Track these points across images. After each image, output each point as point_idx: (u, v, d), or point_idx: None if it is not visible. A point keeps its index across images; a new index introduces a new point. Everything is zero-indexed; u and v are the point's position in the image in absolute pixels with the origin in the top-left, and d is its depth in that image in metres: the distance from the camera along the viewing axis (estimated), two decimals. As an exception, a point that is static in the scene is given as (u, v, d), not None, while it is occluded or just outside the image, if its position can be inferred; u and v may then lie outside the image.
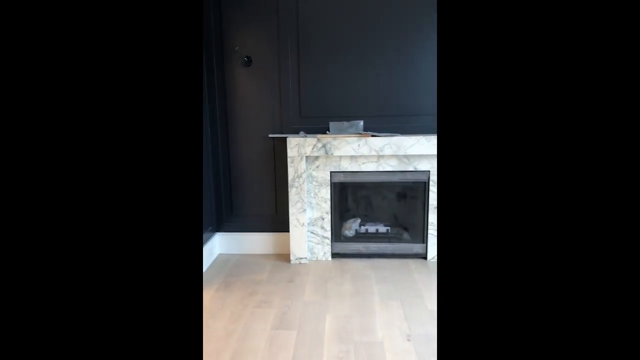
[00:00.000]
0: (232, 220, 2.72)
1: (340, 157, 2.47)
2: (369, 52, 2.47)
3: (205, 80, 2.56)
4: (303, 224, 2.50)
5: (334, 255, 2.60)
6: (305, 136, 2.43)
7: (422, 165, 2.46)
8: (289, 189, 2.47)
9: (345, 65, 2.49)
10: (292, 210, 2.49)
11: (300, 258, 2.54)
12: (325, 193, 2.52)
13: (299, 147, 2.42)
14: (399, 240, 2.62)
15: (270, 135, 2.58)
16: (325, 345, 1.67)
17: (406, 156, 2.45)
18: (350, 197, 2.78)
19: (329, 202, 2.53)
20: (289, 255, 2.63)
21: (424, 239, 2.54)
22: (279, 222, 2.68)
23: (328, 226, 2.55)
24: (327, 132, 2.47)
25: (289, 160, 2.44)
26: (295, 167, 2.45)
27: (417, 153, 2.38)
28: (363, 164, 2.48)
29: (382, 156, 2.45)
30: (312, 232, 2.57)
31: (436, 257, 2.54)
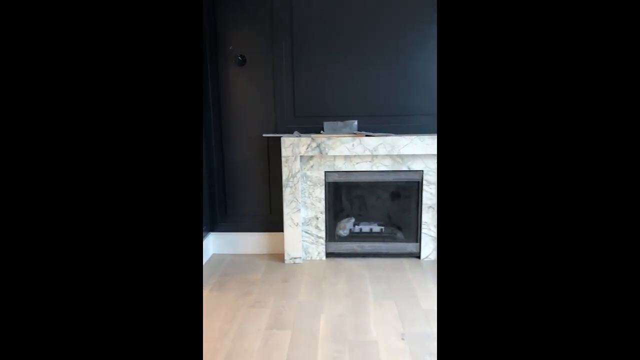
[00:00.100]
0: (226, 220, 2.71)
1: (335, 156, 2.48)
2: (363, 52, 2.48)
3: (198, 80, 2.55)
4: (297, 223, 2.50)
5: (328, 255, 2.60)
6: (300, 136, 2.43)
7: (416, 165, 2.47)
8: (283, 189, 2.47)
9: (339, 65, 2.49)
10: (287, 210, 2.49)
11: (295, 258, 2.54)
12: (320, 193, 2.53)
13: (293, 146, 2.42)
14: (393, 239, 2.63)
15: (264, 135, 2.57)
16: (320, 344, 1.67)
17: (400, 156, 2.46)
18: (345, 197, 2.79)
19: (323, 202, 2.53)
20: (283, 255, 2.63)
21: (417, 238, 2.56)
22: (273, 222, 2.67)
23: (322, 226, 2.56)
24: (322, 131, 2.48)
25: (283, 159, 2.44)
26: (290, 167, 2.44)
27: (410, 153, 2.39)
28: (357, 163, 2.49)
29: (376, 156, 2.46)
30: (306, 232, 2.57)
31: (429, 256, 2.56)
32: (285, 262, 2.54)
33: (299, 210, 2.49)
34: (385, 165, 2.48)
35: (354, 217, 2.74)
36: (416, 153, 2.39)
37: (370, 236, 2.66)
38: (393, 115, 2.53)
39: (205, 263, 2.59)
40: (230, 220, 2.71)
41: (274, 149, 2.58)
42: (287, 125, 2.56)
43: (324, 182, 2.51)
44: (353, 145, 2.39)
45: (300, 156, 2.47)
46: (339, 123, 2.45)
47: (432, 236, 2.54)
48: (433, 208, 2.51)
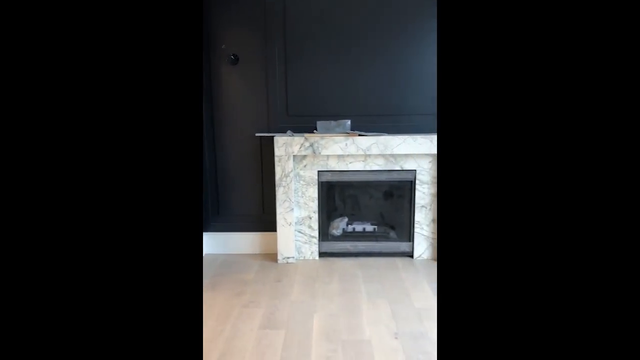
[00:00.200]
0: (219, 219, 2.69)
1: (328, 156, 2.48)
2: (356, 51, 2.48)
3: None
4: (290, 223, 2.49)
5: (322, 254, 2.60)
6: (293, 135, 2.43)
7: (409, 165, 2.48)
8: (277, 188, 2.46)
9: (332, 64, 2.49)
10: (280, 210, 2.48)
11: (288, 257, 2.53)
12: (313, 192, 2.52)
13: (286, 146, 2.41)
14: (386, 239, 2.64)
15: (257, 134, 2.56)
16: (314, 344, 1.67)
17: (393, 155, 2.47)
18: (338, 196, 2.79)
19: (316, 202, 2.53)
20: (276, 254, 2.62)
21: (410, 238, 2.57)
22: (266, 221, 2.67)
23: (315, 225, 2.55)
24: (315, 131, 2.47)
25: (276, 159, 2.43)
26: (283, 167, 2.44)
27: (403, 152, 2.40)
28: (350, 163, 2.49)
29: (369, 155, 2.47)
30: (299, 232, 2.57)
31: (422, 255, 2.57)
32: (279, 261, 2.53)
33: (292, 209, 2.48)
34: (378, 165, 2.48)
35: (347, 216, 2.74)
36: (409, 152, 2.40)
37: (363, 236, 2.66)
38: (386, 115, 2.54)
39: (198, 263, 2.57)
40: (223, 220, 2.69)
41: (267, 148, 2.57)
42: (280, 125, 2.55)
43: (317, 181, 2.51)
44: (346, 144, 2.39)
45: (294, 156, 2.46)
46: (332, 122, 2.45)
47: (424, 235, 2.55)
48: (426, 207, 2.52)
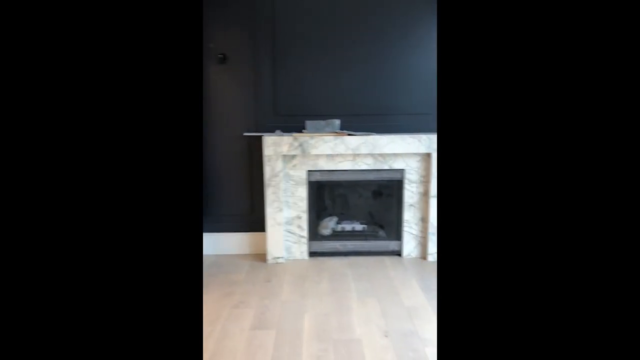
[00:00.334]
0: (207, 220, 2.67)
1: (317, 155, 2.48)
2: (345, 51, 2.48)
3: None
4: (280, 223, 2.49)
5: (311, 254, 2.60)
6: (282, 135, 2.42)
7: (397, 164, 2.50)
8: (266, 188, 2.45)
9: (321, 64, 2.50)
10: (269, 210, 2.47)
11: (277, 257, 2.53)
12: (302, 192, 2.52)
13: (275, 145, 2.40)
14: (375, 237, 2.66)
15: (245, 134, 2.55)
16: (304, 344, 1.67)
17: (381, 155, 2.48)
18: (327, 196, 2.79)
19: (305, 201, 2.53)
20: (265, 255, 2.61)
21: (399, 236, 2.59)
22: (254, 221, 2.65)
23: (305, 225, 2.55)
24: (303, 130, 2.47)
25: (265, 159, 2.42)
26: (272, 166, 2.43)
27: (392, 152, 2.41)
28: (340, 162, 2.49)
29: (358, 155, 2.48)
30: (288, 232, 2.56)
31: (411, 254, 2.60)
32: (268, 262, 2.53)
33: (282, 209, 2.48)
34: (367, 164, 2.50)
35: (337, 216, 2.75)
36: (397, 152, 2.42)
37: (352, 235, 2.67)
38: (374, 115, 2.55)
39: (186, 264, 2.54)
40: (212, 221, 2.67)
41: (256, 148, 2.56)
42: (269, 124, 2.54)
43: (306, 181, 2.51)
44: (335, 144, 2.40)
45: (283, 155, 2.46)
46: (321, 122, 2.46)
47: (413, 234, 2.58)
48: (414, 206, 2.55)
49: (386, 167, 2.50)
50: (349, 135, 2.42)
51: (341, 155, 2.47)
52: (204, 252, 2.70)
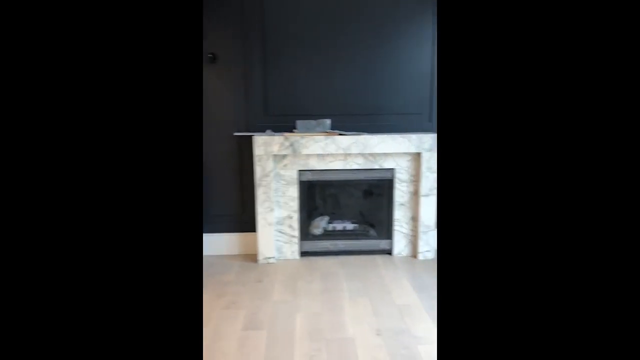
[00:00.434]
0: (197, 220, 2.64)
1: (308, 155, 2.48)
2: (335, 50, 2.49)
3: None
4: (271, 223, 2.48)
5: (303, 254, 2.60)
6: (273, 134, 2.41)
7: (387, 163, 2.52)
8: (256, 188, 2.44)
9: (311, 64, 2.49)
10: (260, 210, 2.46)
11: (268, 258, 2.52)
12: (293, 192, 2.52)
13: (266, 145, 2.39)
14: (366, 237, 2.67)
15: (235, 134, 2.53)
16: (297, 344, 1.67)
17: (372, 154, 2.49)
18: (318, 196, 2.79)
19: (296, 201, 2.53)
20: (256, 255, 2.60)
21: (389, 235, 2.60)
22: (245, 221, 2.64)
23: (296, 225, 2.55)
24: (294, 130, 2.47)
25: (256, 159, 2.41)
26: (263, 166, 2.42)
27: (382, 151, 2.43)
28: (331, 162, 2.50)
29: (349, 154, 2.48)
30: (279, 232, 2.55)
31: (401, 253, 2.61)
32: (259, 262, 2.51)
33: (273, 209, 2.47)
34: (358, 164, 2.50)
35: (328, 215, 2.75)
36: (388, 151, 2.43)
37: (343, 234, 2.68)
38: (365, 114, 2.56)
39: (176, 265, 2.51)
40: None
41: (246, 148, 2.55)
42: (259, 124, 2.53)
43: (297, 181, 2.51)
44: (326, 144, 2.40)
45: (273, 155, 2.45)
46: (312, 122, 2.45)
47: (403, 233, 2.59)
48: (404, 205, 2.56)
49: (377, 167, 2.51)
50: (340, 135, 2.42)
51: (332, 155, 2.47)
52: (194, 253, 2.67)
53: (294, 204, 2.53)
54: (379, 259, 2.57)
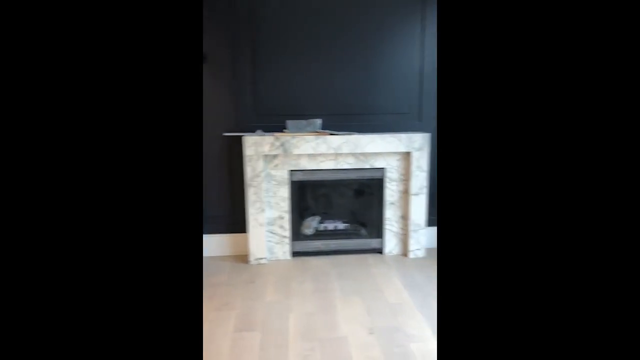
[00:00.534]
0: (187, 222, 2.62)
1: (299, 155, 2.47)
2: (325, 50, 2.49)
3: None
4: (262, 224, 2.47)
5: (294, 254, 2.60)
6: (263, 134, 2.40)
7: (378, 163, 2.53)
8: (247, 189, 2.43)
9: (301, 64, 2.49)
10: (251, 211, 2.45)
11: (260, 258, 2.51)
12: (284, 192, 2.51)
13: (256, 145, 2.38)
14: (357, 236, 2.68)
15: (225, 134, 2.51)
16: (290, 344, 1.67)
17: (363, 154, 2.50)
18: (309, 196, 2.79)
19: (288, 201, 2.52)
20: (247, 256, 2.59)
21: (380, 234, 2.62)
22: (235, 222, 2.62)
23: (287, 225, 2.54)
24: (285, 130, 2.46)
25: (246, 159, 2.40)
26: (253, 166, 2.41)
27: (373, 151, 2.44)
28: (322, 162, 2.50)
29: (340, 154, 2.49)
30: (271, 232, 2.55)
31: (392, 251, 2.63)
32: (250, 263, 2.50)
33: (264, 210, 2.46)
34: (349, 164, 2.51)
35: (319, 215, 2.75)
36: (378, 151, 2.44)
37: (335, 234, 2.68)
38: (355, 114, 2.57)
39: (166, 267, 2.49)
40: (192, 222, 2.62)
41: (236, 148, 2.53)
42: (249, 124, 2.52)
43: (288, 181, 2.50)
44: (317, 143, 2.40)
45: (264, 155, 2.44)
46: (303, 122, 2.45)
47: (394, 231, 2.61)
48: (395, 204, 2.58)
49: (367, 166, 2.53)
50: (331, 134, 2.42)
51: (323, 154, 2.48)
52: (184, 254, 2.64)
53: (285, 204, 2.52)
54: (370, 258, 2.58)
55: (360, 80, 2.54)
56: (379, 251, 2.64)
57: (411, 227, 2.55)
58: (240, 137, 2.51)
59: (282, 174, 2.49)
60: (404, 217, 2.59)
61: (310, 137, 2.39)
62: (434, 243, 2.77)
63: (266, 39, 2.45)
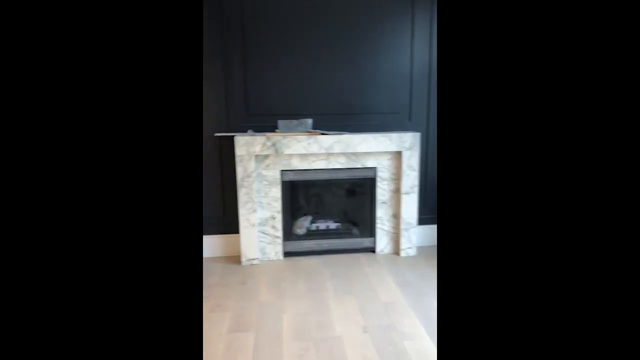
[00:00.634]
0: (178, 223, 2.59)
1: (291, 155, 2.47)
2: (316, 50, 2.49)
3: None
4: (254, 224, 2.46)
5: (286, 254, 2.59)
6: (254, 134, 2.39)
7: (369, 162, 2.54)
8: (238, 189, 2.42)
9: (292, 63, 2.49)
10: (242, 211, 2.44)
11: (252, 259, 2.50)
12: (276, 192, 2.51)
13: (247, 145, 2.37)
14: (349, 235, 2.68)
15: (216, 134, 2.50)
16: (285, 344, 1.67)
17: (354, 154, 2.51)
18: (301, 195, 2.79)
19: (279, 201, 2.51)
20: (239, 257, 2.57)
21: (372, 233, 2.63)
22: (227, 223, 2.61)
23: (279, 225, 2.54)
24: (276, 130, 2.46)
25: (237, 159, 2.39)
26: (244, 167, 2.40)
27: (364, 150, 2.45)
28: (313, 162, 2.50)
29: (332, 154, 2.49)
30: (262, 232, 2.54)
31: (384, 250, 2.64)
32: (242, 263, 2.49)
33: (255, 210, 2.45)
34: (340, 163, 2.52)
35: (311, 215, 2.75)
36: (370, 151, 2.46)
37: (327, 233, 2.69)
38: (346, 114, 2.58)
39: (157, 269, 2.46)
40: (182, 224, 2.59)
41: (227, 148, 2.52)
42: (240, 124, 2.51)
43: (280, 181, 2.50)
44: (309, 143, 2.40)
45: (255, 155, 2.43)
46: (294, 121, 2.45)
47: (385, 230, 2.63)
48: (386, 203, 2.60)
49: (359, 166, 2.53)
50: (322, 134, 2.43)
51: (315, 154, 2.48)
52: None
53: (277, 205, 2.52)
54: (362, 257, 2.59)
55: (351, 80, 2.55)
56: (371, 250, 2.65)
57: (403, 226, 2.56)
58: (231, 138, 2.50)
59: (274, 174, 2.49)
60: (396, 216, 2.61)
61: (302, 137, 2.39)
62: (425, 241, 2.80)
63: (257, 38, 2.44)
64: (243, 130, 2.50)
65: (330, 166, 2.51)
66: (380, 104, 2.59)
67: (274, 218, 2.53)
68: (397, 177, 2.57)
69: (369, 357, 1.57)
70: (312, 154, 2.47)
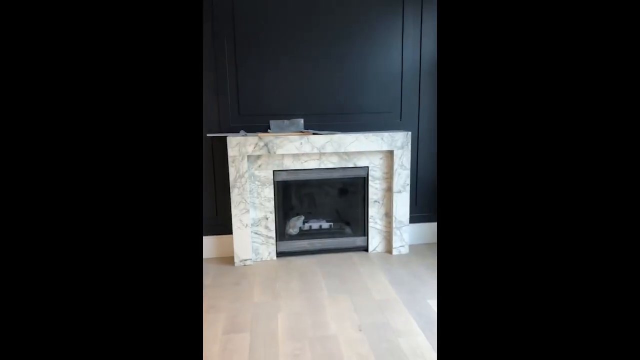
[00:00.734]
0: (170, 225, 2.58)
1: (283, 155, 2.47)
2: (307, 50, 2.50)
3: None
4: (247, 225, 2.46)
5: (279, 254, 2.59)
6: (246, 135, 2.39)
7: (361, 162, 2.55)
8: (231, 190, 2.41)
9: (284, 63, 2.49)
10: (235, 212, 2.43)
11: (245, 260, 2.49)
12: (269, 192, 2.51)
13: (240, 146, 2.37)
14: (342, 234, 2.70)
15: (208, 135, 2.49)
16: (280, 344, 1.67)
17: (346, 153, 2.52)
18: (294, 195, 2.79)
19: (272, 202, 2.52)
20: (232, 257, 2.57)
21: (364, 232, 2.64)
22: (219, 224, 2.60)
23: (272, 226, 2.54)
24: (268, 130, 2.46)
25: (230, 160, 2.38)
26: (237, 167, 2.39)
27: (356, 150, 2.46)
28: (305, 162, 2.50)
29: (324, 154, 2.50)
30: (255, 233, 2.54)
31: (376, 249, 2.66)
32: (236, 264, 2.49)
33: (248, 211, 2.45)
34: (333, 163, 2.53)
35: (304, 215, 2.76)
36: (361, 150, 2.47)
37: (319, 233, 2.69)
38: (338, 114, 2.59)
39: (149, 272, 2.44)
40: (174, 225, 2.58)
41: (219, 149, 2.51)
42: (232, 125, 2.50)
43: (272, 181, 2.50)
44: (301, 143, 2.41)
45: (248, 156, 2.43)
46: (286, 121, 2.45)
47: (378, 229, 2.64)
48: (378, 202, 2.61)
49: (351, 165, 2.55)
50: (314, 134, 2.43)
51: (307, 154, 2.48)
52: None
53: (270, 205, 2.52)
54: (355, 256, 2.61)
55: (342, 80, 2.56)
56: (364, 249, 2.67)
57: (395, 225, 2.58)
58: (223, 138, 2.49)
59: (266, 174, 2.49)
60: (388, 215, 2.63)
61: (294, 137, 2.40)
62: (417, 240, 2.82)
63: (247, 39, 2.44)
64: (235, 130, 2.49)
65: (323, 166, 2.52)
66: (371, 103, 2.61)
67: (266, 218, 2.53)
68: (389, 176, 2.59)
69: (364, 354, 1.59)
70: (304, 154, 2.48)
